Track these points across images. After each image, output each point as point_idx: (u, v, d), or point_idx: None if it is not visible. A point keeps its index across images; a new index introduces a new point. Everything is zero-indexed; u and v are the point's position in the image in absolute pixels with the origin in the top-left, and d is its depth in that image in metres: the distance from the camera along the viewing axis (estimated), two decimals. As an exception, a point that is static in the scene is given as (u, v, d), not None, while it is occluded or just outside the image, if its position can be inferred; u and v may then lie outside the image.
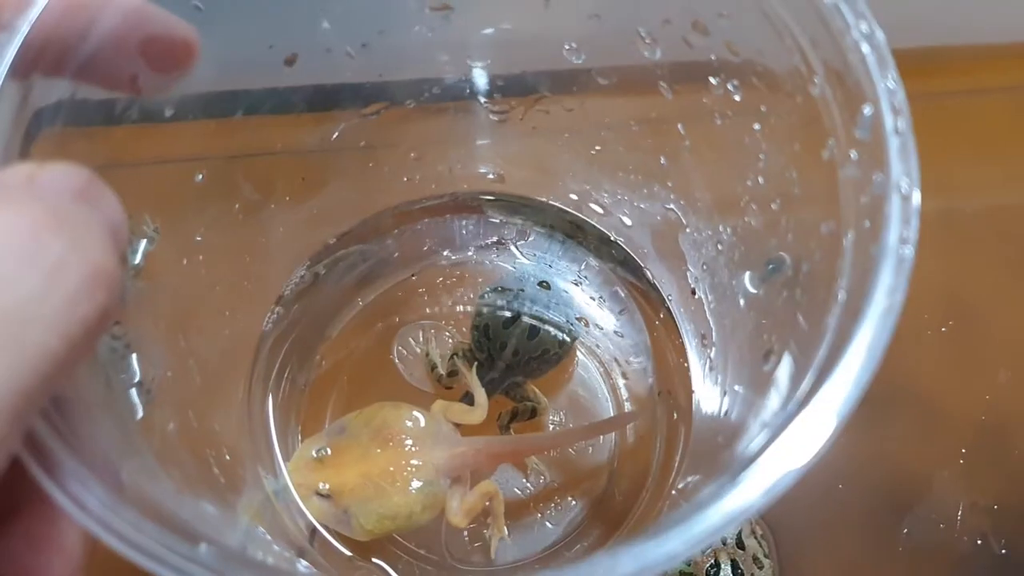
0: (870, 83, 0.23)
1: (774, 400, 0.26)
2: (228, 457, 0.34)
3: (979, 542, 0.43)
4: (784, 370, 0.26)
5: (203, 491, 0.30)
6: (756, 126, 0.29)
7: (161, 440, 0.32)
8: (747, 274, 0.31)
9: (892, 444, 0.45)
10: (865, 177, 0.23)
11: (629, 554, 0.19)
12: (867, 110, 0.23)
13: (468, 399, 0.40)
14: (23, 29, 0.24)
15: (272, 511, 0.35)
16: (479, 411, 0.39)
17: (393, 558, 0.39)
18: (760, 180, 0.29)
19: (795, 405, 0.21)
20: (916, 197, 0.22)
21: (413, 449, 0.35)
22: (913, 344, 0.46)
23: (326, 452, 0.35)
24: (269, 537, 0.32)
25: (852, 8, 0.23)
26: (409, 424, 0.35)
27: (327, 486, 0.34)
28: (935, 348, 0.46)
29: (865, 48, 0.23)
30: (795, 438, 0.20)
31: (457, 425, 0.38)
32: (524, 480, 0.41)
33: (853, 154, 0.24)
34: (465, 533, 0.40)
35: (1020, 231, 0.50)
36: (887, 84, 0.23)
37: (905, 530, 0.43)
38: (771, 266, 0.30)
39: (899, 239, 0.21)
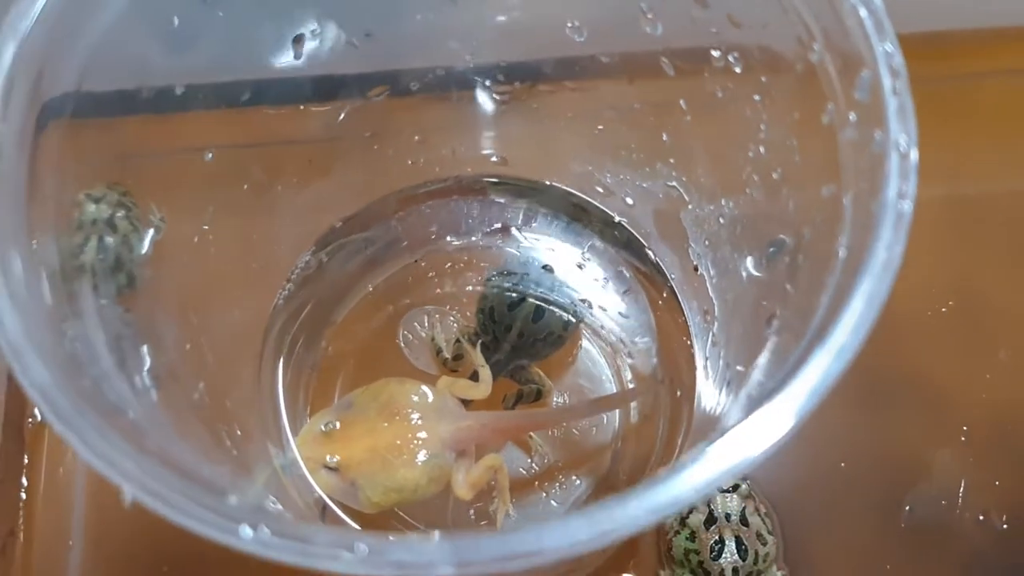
0: (868, 47, 0.24)
1: (773, 366, 0.26)
2: (239, 432, 0.34)
3: (981, 518, 0.44)
4: (784, 336, 0.26)
5: (218, 461, 0.30)
6: (756, 97, 0.29)
7: (177, 415, 0.32)
8: (749, 259, 0.32)
9: (894, 423, 0.45)
10: (864, 138, 0.23)
11: (589, 519, 0.19)
12: (865, 72, 0.23)
13: (474, 377, 0.41)
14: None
15: (280, 485, 0.36)
16: (483, 387, 0.39)
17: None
18: (761, 150, 0.30)
19: (793, 364, 0.22)
20: (914, 154, 0.22)
21: (419, 423, 0.35)
22: (915, 326, 0.47)
23: (334, 426, 0.35)
24: (280, 507, 0.32)
25: (849, -25, 0.24)
26: (415, 399, 0.36)
27: (335, 459, 0.34)
28: (936, 329, 0.47)
29: (863, 12, 0.24)
30: (795, 391, 0.21)
31: (463, 401, 0.38)
32: (528, 460, 0.42)
33: (852, 116, 0.24)
34: (471, 511, 0.40)
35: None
36: (884, 47, 0.23)
37: (908, 507, 0.44)
38: (772, 249, 0.30)
39: (898, 194, 0.22)
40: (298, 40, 0.34)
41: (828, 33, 0.25)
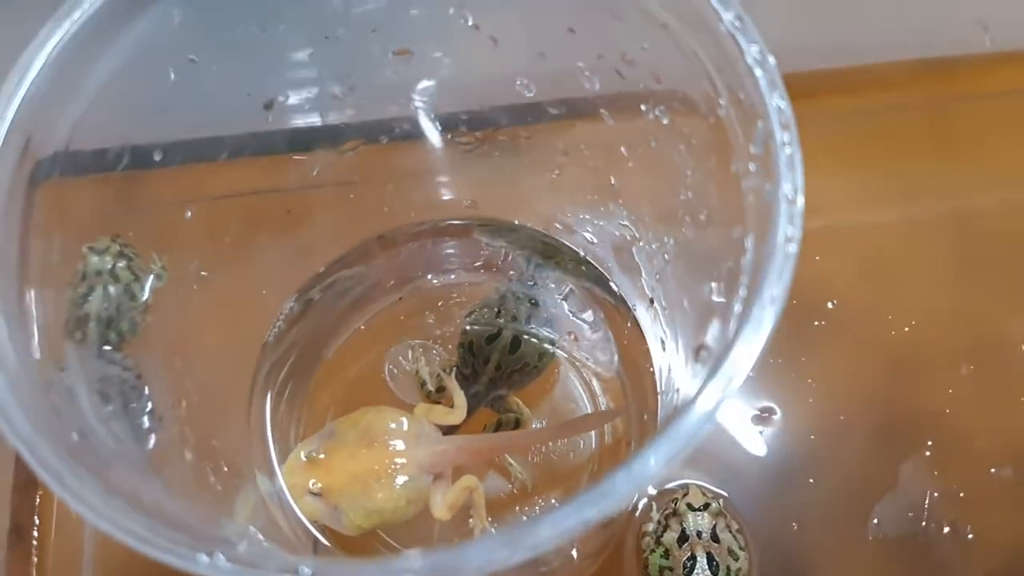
0: (762, 102, 0.26)
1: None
2: (226, 469, 0.37)
3: (947, 529, 0.45)
4: (708, 361, 0.29)
5: (199, 495, 0.33)
6: (682, 147, 0.32)
7: (165, 457, 0.35)
8: (687, 294, 0.34)
9: (859, 439, 0.47)
10: (760, 186, 0.26)
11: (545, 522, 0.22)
12: (760, 125, 0.26)
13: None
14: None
15: (268, 517, 0.38)
16: (458, 412, 0.42)
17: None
18: (690, 194, 0.32)
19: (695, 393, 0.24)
20: (800, 201, 0.25)
21: (397, 448, 0.38)
22: (873, 343, 0.49)
23: (317, 454, 0.38)
24: (261, 537, 0.35)
25: (746, 36, 0.26)
26: (392, 426, 0.38)
27: (318, 485, 0.37)
28: (893, 346, 0.49)
29: (758, 72, 0.26)
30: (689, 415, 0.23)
31: (443, 429, 0.41)
32: (509, 484, 0.44)
33: (751, 166, 0.26)
34: (457, 535, 0.43)
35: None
36: (776, 103, 0.26)
37: (875, 520, 0.46)
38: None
39: (785, 238, 0.24)
40: (269, 106, 0.37)
41: (732, 90, 0.27)
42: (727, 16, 0.27)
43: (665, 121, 0.32)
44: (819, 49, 0.46)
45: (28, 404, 0.25)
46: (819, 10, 0.50)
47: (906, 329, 0.49)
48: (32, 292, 0.29)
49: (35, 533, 0.46)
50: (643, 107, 0.32)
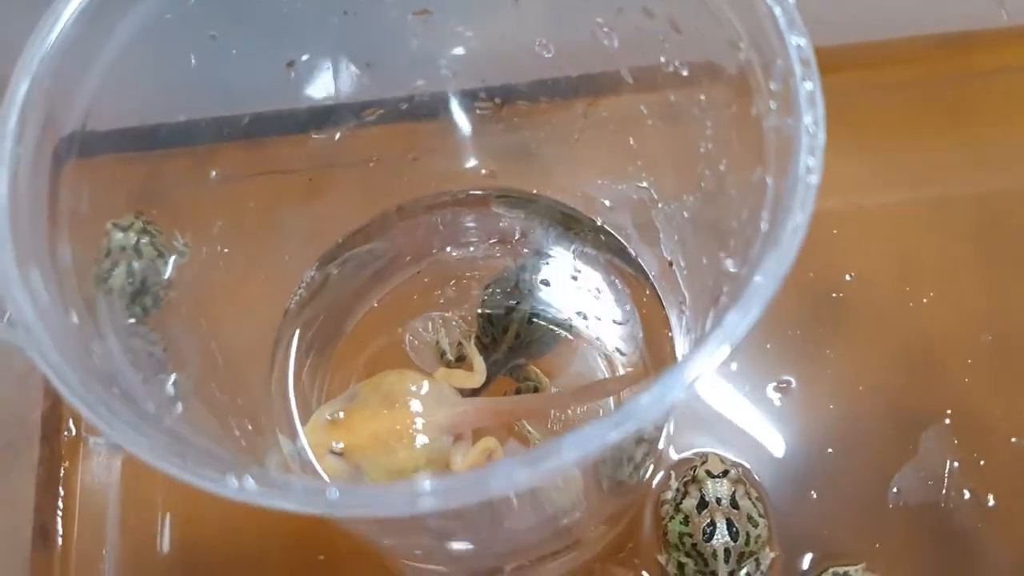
0: (782, 41, 0.26)
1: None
2: (250, 427, 0.37)
3: (968, 497, 0.45)
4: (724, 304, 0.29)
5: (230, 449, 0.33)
6: (702, 97, 0.32)
7: (194, 413, 0.36)
8: (708, 249, 0.34)
9: (878, 409, 0.47)
10: (781, 123, 0.26)
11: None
12: (780, 63, 0.26)
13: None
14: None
15: (290, 473, 0.39)
16: (478, 376, 0.42)
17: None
18: (709, 146, 0.32)
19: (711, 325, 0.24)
20: (821, 136, 0.25)
21: (418, 410, 0.38)
22: (891, 314, 0.49)
23: (339, 415, 0.38)
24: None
25: (765, -19, 0.27)
26: (414, 388, 0.39)
27: (340, 445, 0.37)
28: (912, 317, 0.49)
29: (777, 11, 0.26)
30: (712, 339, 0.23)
31: (463, 392, 0.41)
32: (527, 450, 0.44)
33: (772, 105, 0.27)
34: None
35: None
36: (796, 41, 0.26)
37: (894, 489, 0.46)
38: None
39: (806, 169, 0.25)
40: (291, 64, 0.37)
41: (751, 33, 0.28)
42: (745, -39, 0.27)
43: (685, 72, 0.32)
44: (834, 24, 0.46)
45: (72, 356, 0.25)
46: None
47: (924, 300, 0.49)
48: (65, 259, 0.30)
49: (59, 530, 0.46)
50: (662, 59, 0.32)
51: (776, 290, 0.23)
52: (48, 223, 0.29)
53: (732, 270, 0.29)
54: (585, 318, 0.46)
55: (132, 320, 0.38)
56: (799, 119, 0.25)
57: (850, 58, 0.53)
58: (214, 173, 0.38)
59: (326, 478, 0.39)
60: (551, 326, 0.45)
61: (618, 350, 0.46)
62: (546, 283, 0.47)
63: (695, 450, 0.46)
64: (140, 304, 0.39)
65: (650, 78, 0.34)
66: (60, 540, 0.46)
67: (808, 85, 0.26)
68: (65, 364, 0.25)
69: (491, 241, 0.48)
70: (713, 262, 0.34)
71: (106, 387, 0.26)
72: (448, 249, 0.48)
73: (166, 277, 0.40)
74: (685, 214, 0.37)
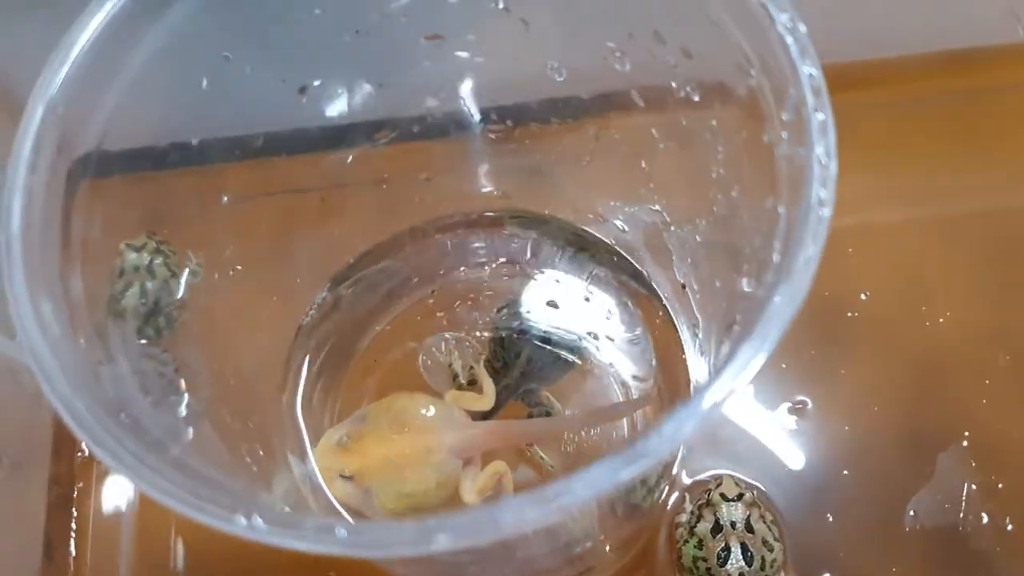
0: (793, 70, 0.26)
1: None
2: (261, 452, 0.37)
3: (985, 520, 0.45)
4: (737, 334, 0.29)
5: (237, 475, 0.33)
6: (713, 122, 0.32)
7: (205, 437, 0.36)
8: (720, 273, 0.34)
9: (894, 430, 0.47)
10: (793, 152, 0.26)
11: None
12: (792, 92, 0.26)
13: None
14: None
15: (300, 498, 0.39)
16: (488, 399, 0.42)
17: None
18: (721, 171, 0.32)
19: (726, 356, 0.24)
20: (833, 166, 0.25)
21: (427, 433, 0.38)
22: (906, 334, 0.48)
23: (348, 438, 0.38)
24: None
25: (776, 4, 0.27)
26: (424, 411, 0.39)
27: (350, 468, 0.37)
28: (928, 337, 0.48)
29: (789, 39, 0.26)
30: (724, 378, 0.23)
31: (473, 415, 0.41)
32: (538, 475, 0.44)
33: (784, 134, 0.27)
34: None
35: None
36: (807, 69, 0.26)
37: (911, 512, 0.45)
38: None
39: (819, 201, 0.24)
40: (303, 91, 0.37)
41: (762, 59, 0.27)
42: (757, -15, 0.27)
43: (696, 97, 0.32)
44: (847, 41, 0.46)
45: (80, 386, 0.25)
46: (846, 1, 0.50)
47: (940, 320, 0.49)
48: (76, 286, 0.30)
49: (71, 551, 0.46)
50: (673, 84, 0.32)
51: (789, 322, 0.23)
52: (61, 249, 0.30)
53: (747, 290, 0.29)
54: (597, 339, 0.46)
55: (144, 341, 0.38)
56: (811, 149, 0.25)
57: (862, 75, 0.53)
58: (225, 198, 0.38)
59: (336, 503, 0.39)
60: (563, 350, 0.45)
61: (631, 372, 0.46)
62: (554, 305, 0.47)
63: (710, 472, 0.46)
64: (153, 325, 0.39)
65: (662, 101, 0.34)
66: (72, 562, 0.46)
67: (820, 115, 0.25)
68: (73, 396, 0.25)
69: (503, 262, 0.48)
70: (726, 285, 0.34)
71: (114, 416, 0.26)
72: (460, 270, 0.48)
73: (179, 297, 0.41)
74: (698, 238, 0.36)
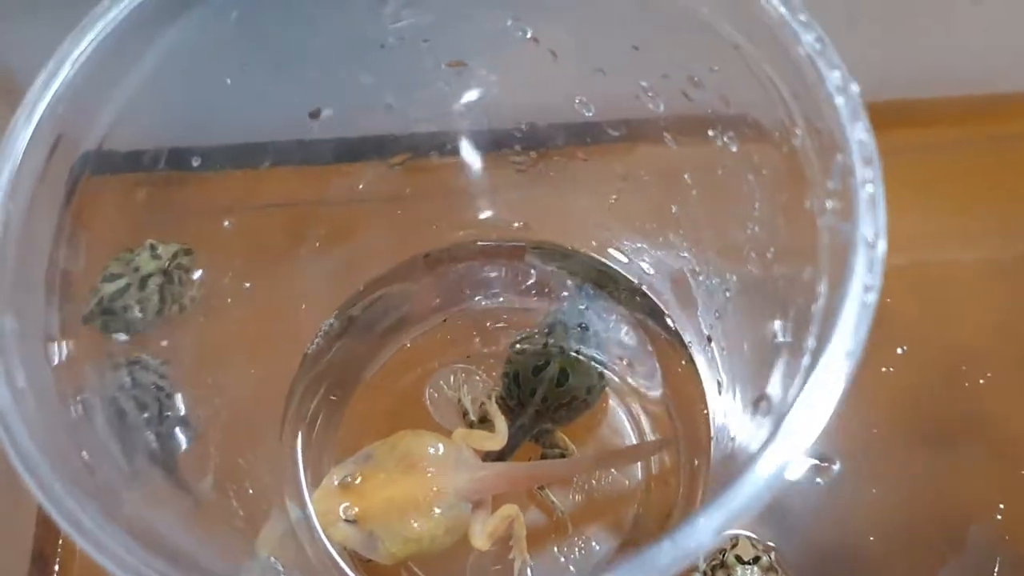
0: (842, 134, 0.23)
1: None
2: (251, 491, 0.35)
3: (1018, 597, 0.42)
4: (769, 414, 0.26)
5: (219, 520, 0.31)
6: (750, 177, 0.29)
7: (191, 470, 0.34)
8: (749, 336, 0.32)
9: (925, 496, 0.44)
10: (837, 225, 0.23)
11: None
12: (839, 159, 0.24)
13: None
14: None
15: (295, 544, 0.37)
16: (499, 437, 0.40)
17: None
18: (757, 229, 0.30)
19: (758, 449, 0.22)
20: (881, 246, 0.22)
21: (435, 474, 0.36)
22: (945, 395, 0.46)
23: (352, 479, 0.36)
24: (280, 568, 0.33)
25: (826, 61, 0.24)
26: (431, 451, 0.37)
27: (353, 511, 0.35)
28: (967, 398, 0.45)
29: (839, 100, 0.24)
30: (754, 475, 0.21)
31: (482, 455, 0.39)
32: (548, 519, 0.42)
33: (828, 204, 0.24)
34: (491, 571, 0.41)
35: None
36: (858, 135, 0.23)
37: (940, 584, 0.43)
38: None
39: (864, 287, 0.22)
40: (315, 115, 0.35)
41: (809, 118, 0.25)
42: (807, 38, 0.24)
43: (734, 148, 0.30)
44: (889, 80, 0.43)
45: (35, 421, 0.24)
46: (891, 41, 0.47)
47: (981, 381, 0.46)
48: (60, 294, 0.28)
49: (57, 562, 0.45)
50: (711, 132, 0.30)
51: (823, 425, 0.21)
52: (48, 251, 0.28)
53: (778, 366, 0.27)
54: (616, 380, 0.44)
55: (146, 356, 0.37)
56: (856, 226, 0.22)
57: (903, 115, 0.50)
58: (227, 223, 0.36)
59: (332, 550, 0.37)
60: (579, 394, 0.42)
61: (647, 412, 0.43)
62: (583, 329, 0.44)
63: (725, 532, 0.43)
64: (124, 319, 0.38)
65: (696, 146, 0.32)
66: (57, 568, 0.44)
67: (869, 188, 0.23)
68: (35, 451, 0.23)
69: (522, 291, 0.46)
70: (755, 351, 0.31)
71: (72, 455, 0.25)
72: (476, 299, 0.46)
73: (183, 305, 0.39)
74: (727, 293, 0.34)
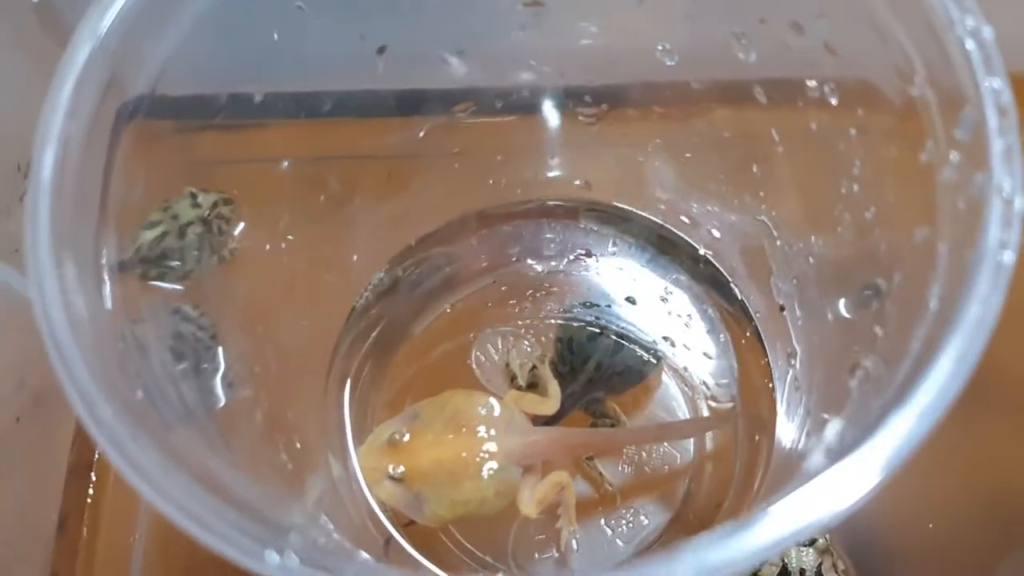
0: (973, 82, 0.22)
1: (857, 418, 0.25)
2: (299, 445, 0.34)
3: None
4: (869, 386, 0.24)
5: (268, 473, 0.30)
6: (852, 131, 0.27)
7: (235, 426, 0.32)
8: (838, 302, 0.30)
9: (986, 486, 0.42)
10: (964, 180, 0.22)
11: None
12: (968, 110, 0.22)
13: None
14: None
15: (337, 501, 0.35)
16: (552, 402, 0.39)
17: (455, 566, 0.38)
18: (855, 188, 0.28)
19: (874, 420, 0.20)
20: (1019, 201, 0.20)
21: (486, 436, 0.35)
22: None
23: (400, 437, 0.34)
24: (331, 526, 0.32)
25: (958, 3, 0.22)
26: (482, 411, 0.35)
27: (400, 470, 0.34)
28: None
29: (970, 45, 0.22)
30: (874, 451, 0.19)
31: (533, 419, 0.37)
32: (596, 492, 0.41)
33: (953, 156, 0.22)
34: (537, 536, 0.39)
35: None
36: (992, 83, 0.21)
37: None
38: (867, 292, 0.28)
39: (999, 243, 0.20)
40: (382, 51, 0.33)
41: (931, 65, 0.23)
42: (935, -24, 0.22)
43: (833, 100, 0.28)
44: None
45: (92, 356, 0.22)
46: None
47: None
48: (110, 238, 0.27)
49: (84, 527, 0.43)
50: (809, 84, 0.28)
51: (957, 393, 0.19)
52: (99, 205, 0.27)
53: (877, 332, 0.25)
54: (673, 345, 0.42)
55: (187, 307, 0.36)
56: (990, 180, 0.21)
57: None
58: (286, 163, 0.34)
59: (376, 507, 0.35)
60: (634, 358, 0.41)
61: (705, 385, 0.42)
62: (631, 301, 0.42)
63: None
64: (165, 267, 0.36)
65: (789, 100, 0.30)
66: (86, 531, 0.43)
67: (1005, 139, 0.21)
68: (93, 388, 0.21)
69: (576, 256, 0.44)
70: (842, 319, 0.30)
71: (128, 391, 0.23)
72: (528, 260, 0.44)
73: (223, 255, 0.38)
74: (810, 259, 0.32)
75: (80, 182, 0.25)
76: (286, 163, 0.37)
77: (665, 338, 0.42)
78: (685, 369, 0.42)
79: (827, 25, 0.27)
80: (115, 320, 0.26)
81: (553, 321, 0.43)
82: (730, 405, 0.41)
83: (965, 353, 0.19)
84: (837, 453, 0.20)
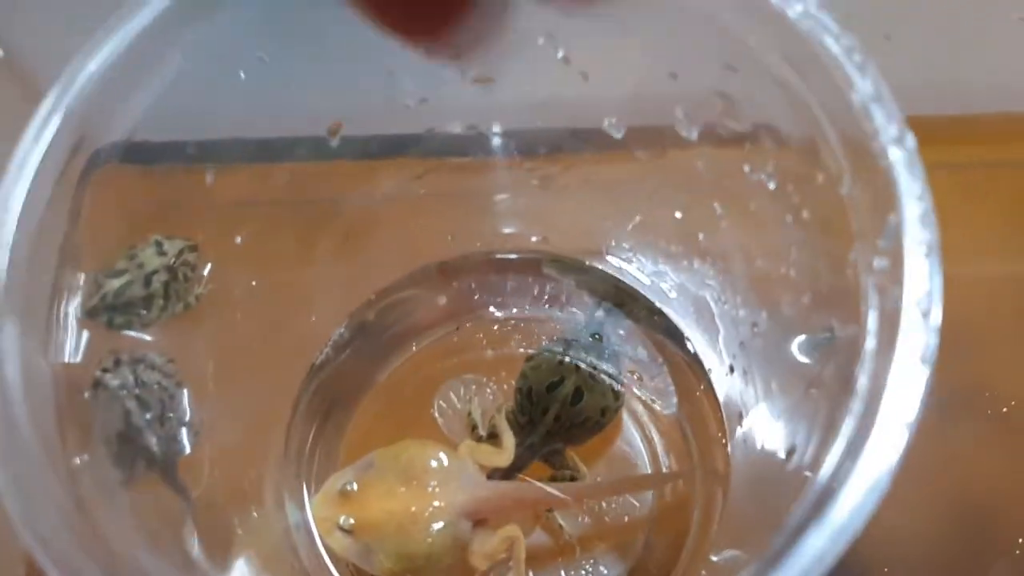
0: (896, 192, 0.22)
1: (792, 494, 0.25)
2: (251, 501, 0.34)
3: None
4: (803, 467, 0.25)
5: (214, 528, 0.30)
6: (788, 218, 0.28)
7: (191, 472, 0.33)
8: (782, 374, 0.30)
9: (946, 529, 0.43)
10: (886, 287, 0.22)
11: None
12: (892, 218, 0.22)
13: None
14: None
15: (292, 548, 0.36)
16: (506, 454, 0.39)
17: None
18: (792, 273, 0.29)
19: (791, 532, 0.20)
20: (936, 315, 0.21)
21: (437, 490, 0.35)
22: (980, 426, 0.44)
23: (352, 487, 0.35)
24: None
25: (883, 110, 0.23)
26: (434, 464, 0.36)
27: (351, 520, 0.34)
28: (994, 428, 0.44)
29: (894, 154, 0.22)
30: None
31: (488, 471, 0.38)
32: (554, 541, 0.41)
33: (876, 262, 0.23)
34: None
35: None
36: (915, 193, 0.22)
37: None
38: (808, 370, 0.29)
39: (919, 358, 0.21)
40: (334, 132, 0.34)
41: (858, 169, 0.24)
42: (863, 85, 0.23)
43: (771, 186, 0.28)
44: (933, 94, 0.42)
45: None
46: (936, 55, 0.45)
47: (1004, 410, 0.45)
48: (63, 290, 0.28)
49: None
50: (746, 168, 0.28)
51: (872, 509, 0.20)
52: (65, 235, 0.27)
53: (814, 435, 0.26)
54: (630, 399, 0.43)
55: (156, 358, 0.36)
56: (908, 293, 0.21)
57: (941, 131, 0.48)
58: (238, 239, 0.35)
59: (327, 558, 0.36)
60: (592, 415, 0.41)
61: (662, 436, 0.42)
62: (596, 339, 0.43)
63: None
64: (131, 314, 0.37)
65: (731, 178, 0.31)
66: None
67: (926, 253, 0.21)
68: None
69: (536, 306, 0.44)
70: (785, 392, 0.30)
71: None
72: (490, 309, 0.45)
73: (190, 302, 0.38)
74: (755, 328, 0.33)
75: (39, 237, 0.25)
76: (245, 212, 0.37)
77: (621, 385, 0.43)
78: (643, 417, 0.42)
79: (762, 115, 0.27)
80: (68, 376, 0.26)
81: (511, 364, 0.43)
82: (687, 453, 0.42)
83: (881, 462, 0.20)
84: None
